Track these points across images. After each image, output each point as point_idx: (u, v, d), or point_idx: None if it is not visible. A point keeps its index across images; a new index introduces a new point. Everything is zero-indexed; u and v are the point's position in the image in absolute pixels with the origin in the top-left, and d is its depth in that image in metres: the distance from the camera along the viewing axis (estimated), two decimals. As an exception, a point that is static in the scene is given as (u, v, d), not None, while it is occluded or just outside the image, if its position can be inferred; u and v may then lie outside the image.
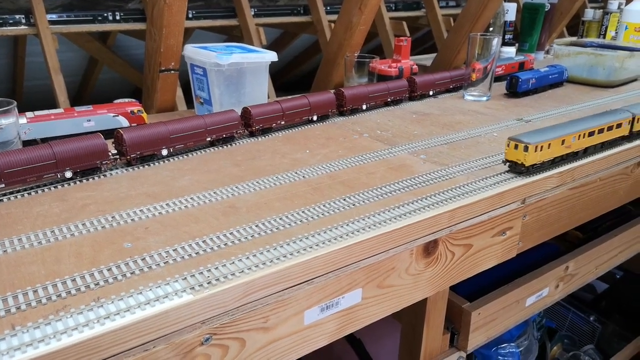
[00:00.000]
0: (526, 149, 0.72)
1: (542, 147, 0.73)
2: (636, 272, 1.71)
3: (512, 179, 0.73)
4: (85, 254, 0.51)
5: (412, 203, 0.64)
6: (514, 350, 1.24)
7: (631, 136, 0.90)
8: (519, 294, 0.89)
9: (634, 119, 0.89)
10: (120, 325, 0.41)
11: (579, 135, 0.79)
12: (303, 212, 0.61)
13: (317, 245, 0.54)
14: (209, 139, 0.79)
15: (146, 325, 0.43)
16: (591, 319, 1.63)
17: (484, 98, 1.14)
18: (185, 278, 0.47)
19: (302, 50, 2.12)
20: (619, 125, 0.86)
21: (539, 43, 1.61)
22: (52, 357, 0.39)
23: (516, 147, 0.73)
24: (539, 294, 0.92)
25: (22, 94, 1.72)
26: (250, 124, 0.85)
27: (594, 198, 0.87)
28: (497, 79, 1.25)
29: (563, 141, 0.76)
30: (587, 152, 0.81)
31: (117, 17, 1.33)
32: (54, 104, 1.09)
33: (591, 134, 0.81)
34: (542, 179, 0.75)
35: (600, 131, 0.82)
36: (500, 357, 1.22)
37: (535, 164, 0.73)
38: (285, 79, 2.29)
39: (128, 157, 0.71)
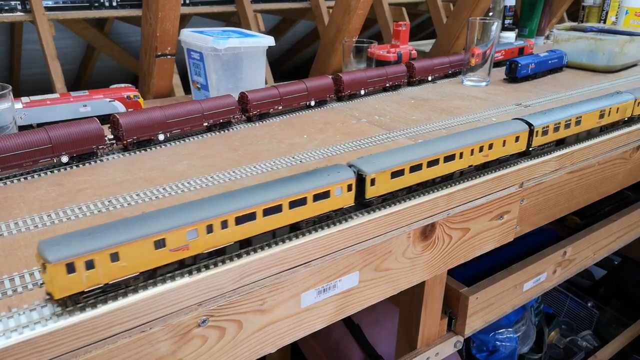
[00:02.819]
0: (44, 267, 0.38)
1: (95, 265, 0.39)
2: (634, 259, 1.72)
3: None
4: (81, 237, 0.51)
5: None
6: (511, 335, 1.25)
7: (359, 205, 0.58)
8: (517, 278, 0.89)
9: (360, 177, 0.56)
10: (117, 306, 0.42)
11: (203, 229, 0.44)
12: (300, 195, 0.60)
13: (314, 228, 0.54)
14: (205, 124, 0.79)
15: (142, 307, 0.43)
16: (589, 305, 1.64)
17: (483, 83, 1.14)
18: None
19: (300, 37, 2.11)
20: (321, 197, 0.51)
21: (539, 28, 1.60)
22: (48, 338, 0.39)
23: (44, 267, 0.39)
24: (536, 279, 0.93)
25: (19, 82, 1.71)
26: (248, 109, 0.84)
27: (592, 182, 0.87)
28: (497, 64, 1.24)
29: (161, 241, 0.42)
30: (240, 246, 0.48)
31: (114, 3, 1.31)
32: (51, 92, 1.08)
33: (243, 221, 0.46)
34: (540, 162, 0.74)
35: (273, 212, 0.48)
36: (498, 342, 1.23)
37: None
38: (284, 66, 2.28)
39: (124, 141, 0.71)
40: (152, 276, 0.44)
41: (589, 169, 0.84)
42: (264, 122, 0.87)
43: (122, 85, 0.85)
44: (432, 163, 0.61)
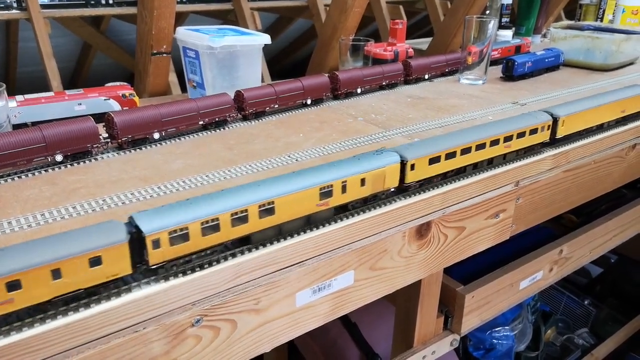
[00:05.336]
0: None
1: None
2: (630, 256, 1.72)
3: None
4: (75, 236, 0.51)
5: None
6: (508, 333, 1.25)
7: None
8: (513, 277, 0.89)
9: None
10: (110, 306, 0.41)
11: None
12: (295, 194, 0.60)
13: (309, 227, 0.54)
14: (201, 122, 0.78)
15: (136, 307, 0.43)
16: (585, 302, 1.65)
17: (480, 81, 1.14)
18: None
19: (297, 36, 2.11)
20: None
21: (536, 27, 1.60)
22: (41, 338, 0.39)
23: None
24: (532, 277, 0.93)
25: (16, 80, 1.70)
26: (244, 108, 0.84)
27: (588, 181, 0.87)
28: (493, 62, 1.25)
29: None
30: None
31: (110, 1, 1.31)
32: (47, 90, 1.08)
33: None
34: (536, 161, 0.74)
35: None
36: (495, 340, 1.23)
37: None
38: (281, 64, 2.28)
39: (119, 140, 0.70)
40: None
41: (585, 167, 0.84)
42: (260, 120, 0.86)
43: (118, 83, 0.85)
44: None
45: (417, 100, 1.01)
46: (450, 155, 0.65)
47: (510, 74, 1.16)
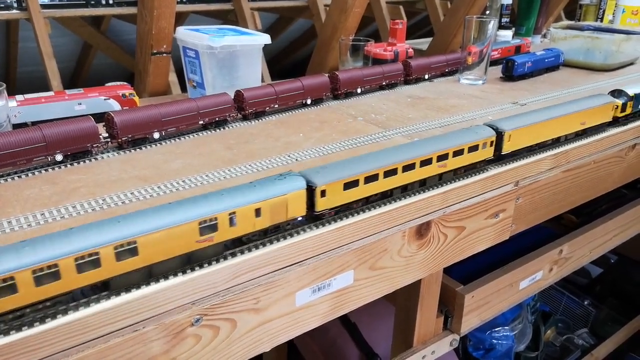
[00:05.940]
0: None
1: None
2: (630, 257, 1.72)
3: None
4: (75, 236, 0.51)
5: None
6: (508, 333, 1.25)
7: None
8: (513, 277, 0.89)
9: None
10: (109, 305, 0.41)
11: None
12: (295, 194, 0.60)
13: (309, 227, 0.54)
14: (201, 122, 0.78)
15: (135, 306, 0.43)
16: (585, 303, 1.65)
17: (480, 82, 1.14)
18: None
19: (298, 36, 2.11)
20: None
21: (536, 27, 1.60)
22: (40, 337, 0.39)
23: None
24: (532, 277, 0.93)
25: (16, 80, 1.70)
26: (243, 107, 0.84)
27: (588, 181, 0.87)
28: (493, 62, 1.25)
29: None
30: None
31: (110, 1, 1.31)
32: (47, 90, 1.08)
33: None
34: (536, 160, 0.74)
35: None
36: (495, 340, 1.24)
37: None
38: (281, 64, 2.28)
39: (119, 140, 0.70)
40: None
41: (585, 167, 0.84)
42: (260, 120, 0.86)
43: (118, 83, 0.85)
44: None
45: (417, 100, 1.01)
46: (372, 179, 0.58)
47: (510, 74, 1.16)
